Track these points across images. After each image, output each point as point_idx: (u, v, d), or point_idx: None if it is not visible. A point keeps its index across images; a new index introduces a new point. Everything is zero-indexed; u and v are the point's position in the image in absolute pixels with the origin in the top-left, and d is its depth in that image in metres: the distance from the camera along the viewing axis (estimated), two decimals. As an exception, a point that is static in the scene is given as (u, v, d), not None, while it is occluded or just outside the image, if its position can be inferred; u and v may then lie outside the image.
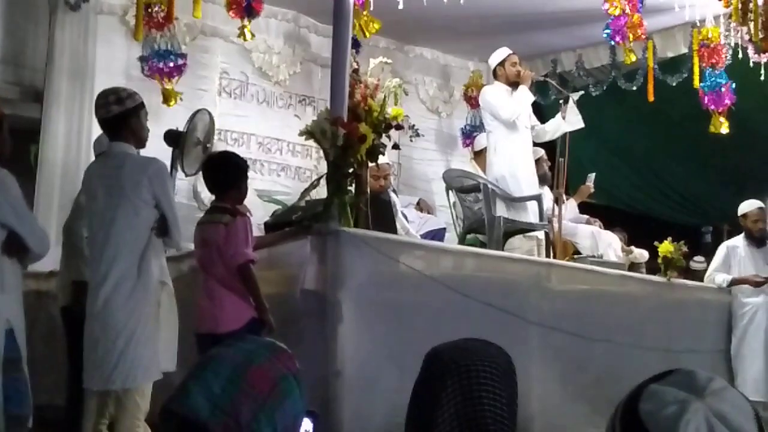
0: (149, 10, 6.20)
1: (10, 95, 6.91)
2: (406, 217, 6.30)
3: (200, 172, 5.33)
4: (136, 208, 3.96)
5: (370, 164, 4.88)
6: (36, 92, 6.78)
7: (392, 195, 6.21)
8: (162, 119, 6.10)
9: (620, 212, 9.37)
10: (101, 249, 3.99)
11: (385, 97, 4.82)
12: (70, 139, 6.42)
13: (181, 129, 5.66)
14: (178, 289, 4.39)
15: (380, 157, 4.90)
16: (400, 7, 5.49)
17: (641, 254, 7.54)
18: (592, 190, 7.69)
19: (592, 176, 7.66)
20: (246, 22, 6.35)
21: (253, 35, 6.54)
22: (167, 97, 6.33)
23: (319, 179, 4.92)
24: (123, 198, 3.96)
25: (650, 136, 9.42)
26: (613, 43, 6.46)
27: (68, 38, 6.54)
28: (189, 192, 6.81)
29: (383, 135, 4.71)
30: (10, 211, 3.82)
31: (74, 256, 4.78)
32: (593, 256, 6.70)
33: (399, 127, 4.86)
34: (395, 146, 5.05)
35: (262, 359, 1.53)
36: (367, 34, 5.45)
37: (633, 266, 7.30)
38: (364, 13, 5.27)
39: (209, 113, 5.61)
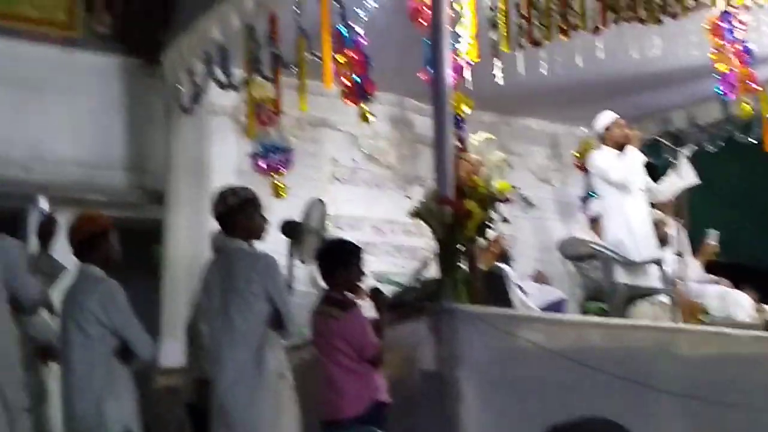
0: (258, 107, 6.43)
1: (135, 199, 7.29)
2: (522, 290, 6.21)
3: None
4: (248, 302, 4.06)
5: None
6: (158, 194, 7.10)
7: (506, 268, 6.15)
8: (276, 211, 6.27)
9: (749, 269, 8.97)
10: (219, 345, 4.11)
11: (489, 172, 4.83)
12: (192, 238, 6.64)
13: (295, 219, 5.82)
14: (301, 377, 4.43)
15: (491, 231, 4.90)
16: (500, 83, 5.52)
17: (775, 312, 7.19)
18: (716, 248, 7.43)
19: (714, 234, 7.42)
20: (364, 106, 6.45)
21: (373, 116, 6.56)
22: (276, 191, 6.51)
23: (429, 259, 4.94)
24: (236, 293, 4.08)
25: (773, 187, 9.07)
26: (725, 99, 6.32)
27: (184, 140, 6.84)
28: (308, 279, 6.92)
29: (491, 210, 4.71)
30: (119, 320, 4.02)
31: (198, 355, 4.91)
32: (723, 318, 6.44)
33: (506, 201, 4.84)
34: (504, 220, 5.02)
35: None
36: (461, 112, 5.50)
37: (768, 326, 6.96)
38: (456, 92, 5.34)
39: (321, 201, 5.75)
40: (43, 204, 4.45)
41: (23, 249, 4.30)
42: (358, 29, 5.22)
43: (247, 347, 4.04)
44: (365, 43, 5.58)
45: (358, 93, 5.84)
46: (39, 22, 7.23)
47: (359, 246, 4.59)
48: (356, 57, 5.45)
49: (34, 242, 4.49)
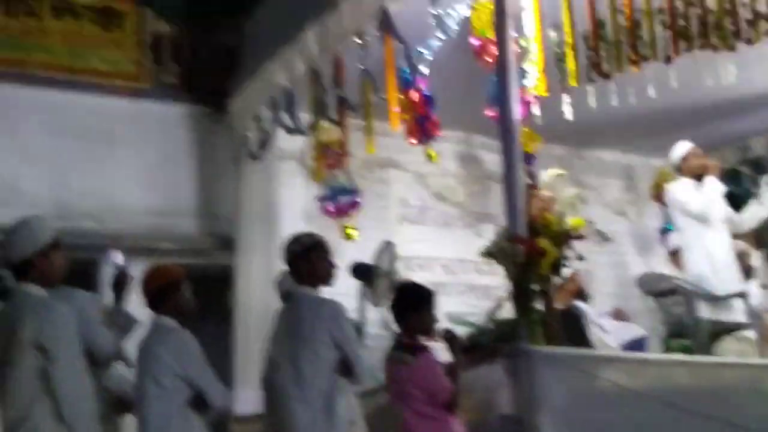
0: (325, 150, 6.43)
1: (206, 245, 7.37)
2: (602, 328, 6.04)
3: (386, 302, 5.40)
4: (315, 350, 4.04)
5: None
6: (228, 240, 7.15)
7: (584, 306, 6.00)
8: (346, 253, 6.23)
9: (841, 299, 8.62)
10: (289, 394, 4.07)
11: (562, 208, 4.71)
12: (263, 283, 6.63)
13: (365, 261, 5.76)
14: (376, 423, 4.36)
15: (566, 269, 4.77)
16: (570, 118, 5.40)
17: None
18: (803, 279, 7.15)
19: (799, 264, 7.15)
20: (429, 146, 6.43)
21: (436, 156, 6.53)
22: (345, 234, 6.49)
23: (503, 300, 4.84)
24: (302, 341, 4.07)
25: None
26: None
27: (253, 186, 6.89)
28: (381, 322, 6.85)
29: (565, 247, 4.58)
30: (193, 370, 4.01)
31: (274, 410, 4.88)
32: (815, 352, 6.15)
33: (580, 238, 4.71)
34: (580, 258, 4.88)
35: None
36: (529, 149, 5.42)
37: None
38: (524, 128, 5.26)
39: (392, 243, 5.69)
40: (117, 257, 4.50)
41: (97, 302, 4.33)
42: (422, 69, 5.17)
43: (317, 395, 4.01)
44: (429, 82, 5.55)
45: (423, 133, 5.81)
46: (109, 75, 7.41)
47: (431, 289, 4.51)
48: (420, 97, 5.41)
49: (108, 295, 4.52)
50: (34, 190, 6.83)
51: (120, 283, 4.35)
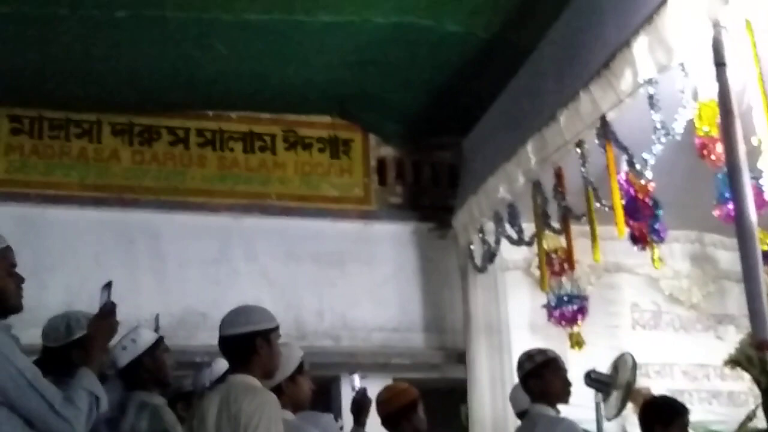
0: (550, 258, 6.40)
1: (436, 360, 7.44)
2: None
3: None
4: None
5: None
6: (458, 354, 7.20)
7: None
8: (577, 361, 6.10)
9: None
10: None
11: (812, 310, 4.40)
12: (495, 396, 6.60)
13: (599, 370, 5.62)
14: None
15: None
16: (802, 213, 5.09)
17: None
18: None
19: None
20: (656, 249, 6.23)
21: (658, 262, 6.39)
22: (574, 342, 6.38)
23: (754, 410, 4.55)
24: None
25: None
26: None
27: (480, 298, 6.93)
28: (617, 432, 6.61)
29: (817, 352, 4.26)
30: None
31: None
32: None
33: (834, 342, 4.36)
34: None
35: None
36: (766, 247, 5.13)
37: None
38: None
39: (630, 355, 5.53)
40: (355, 380, 4.63)
41: (339, 425, 4.47)
42: (645, 174, 5.06)
43: None
44: (656, 183, 5.41)
45: (650, 237, 5.66)
46: (338, 200, 7.80)
47: (684, 405, 4.33)
48: (644, 201, 5.30)
49: (347, 418, 4.65)
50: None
51: (360, 406, 4.47)
